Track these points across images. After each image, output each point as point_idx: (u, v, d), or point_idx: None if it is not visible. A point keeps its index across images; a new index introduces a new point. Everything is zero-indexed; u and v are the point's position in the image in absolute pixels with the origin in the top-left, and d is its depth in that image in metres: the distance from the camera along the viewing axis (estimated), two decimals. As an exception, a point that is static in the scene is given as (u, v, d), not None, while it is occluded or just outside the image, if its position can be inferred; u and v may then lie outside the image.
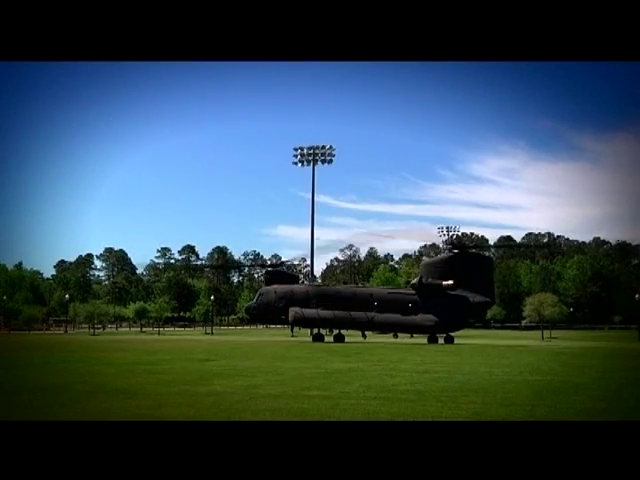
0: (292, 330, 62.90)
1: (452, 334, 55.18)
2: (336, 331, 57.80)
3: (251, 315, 62.50)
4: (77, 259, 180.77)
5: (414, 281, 57.04)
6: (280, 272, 60.23)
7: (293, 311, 55.50)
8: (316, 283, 62.34)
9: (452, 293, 53.79)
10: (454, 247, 56.22)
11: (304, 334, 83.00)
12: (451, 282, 53.30)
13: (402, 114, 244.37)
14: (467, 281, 53.28)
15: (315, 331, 59.45)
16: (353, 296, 56.56)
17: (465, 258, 54.94)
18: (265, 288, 59.05)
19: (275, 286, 57.44)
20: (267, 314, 59.11)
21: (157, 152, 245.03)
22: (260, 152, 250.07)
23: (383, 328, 58.11)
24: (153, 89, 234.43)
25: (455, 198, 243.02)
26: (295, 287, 58.18)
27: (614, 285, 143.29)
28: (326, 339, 57.09)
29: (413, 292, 55.80)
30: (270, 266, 59.39)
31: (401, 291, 59.06)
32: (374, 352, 39.72)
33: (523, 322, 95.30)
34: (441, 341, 54.79)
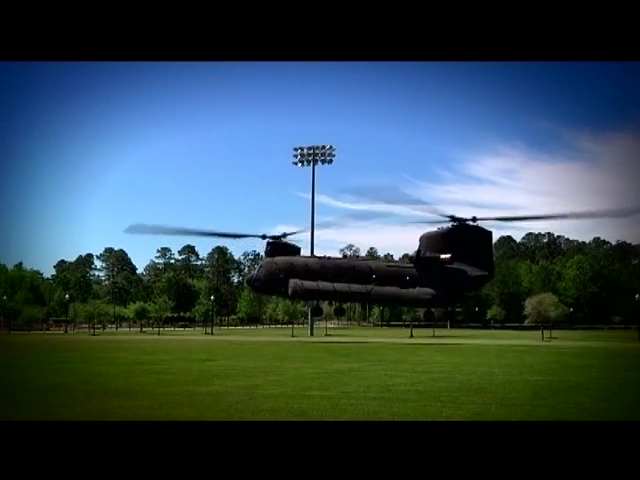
0: (292, 301, 62.68)
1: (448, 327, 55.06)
2: (337, 304, 58.09)
3: (252, 287, 62.53)
4: (77, 259, 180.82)
5: (412, 254, 56.66)
6: (281, 243, 59.72)
7: (293, 283, 55.57)
8: (317, 256, 61.83)
9: (450, 267, 53.46)
10: (453, 220, 55.26)
11: (304, 334, 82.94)
12: (449, 256, 52.95)
13: (401, 114, 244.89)
14: (466, 255, 52.94)
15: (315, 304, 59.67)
16: (352, 269, 56.44)
17: (464, 231, 54.38)
18: (266, 260, 58.89)
19: (276, 258, 57.37)
20: (268, 286, 59.06)
21: (157, 152, 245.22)
22: (260, 152, 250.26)
23: (381, 301, 57.97)
24: (153, 89, 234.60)
25: (454, 198, 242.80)
26: (295, 259, 58.01)
27: (614, 285, 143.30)
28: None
29: (412, 265, 55.47)
30: (271, 237, 58.65)
31: (400, 264, 58.62)
32: (374, 352, 39.73)
33: (527, 322, 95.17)
34: (441, 344, 54.70)
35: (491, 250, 56.45)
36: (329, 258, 58.62)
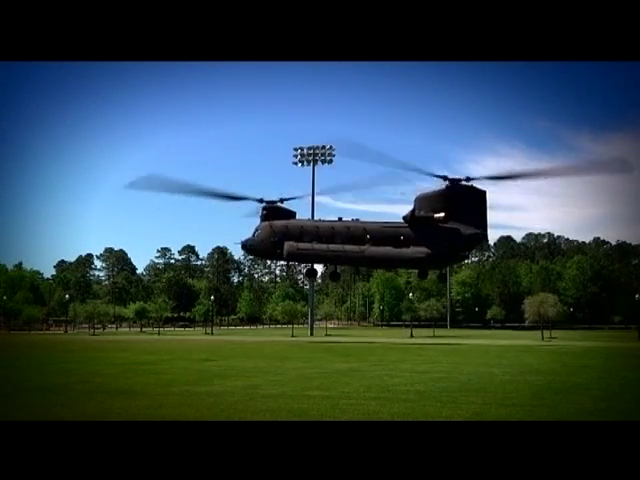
0: (287, 264, 63.02)
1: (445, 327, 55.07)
2: (332, 268, 58.46)
3: (248, 250, 62.81)
4: (77, 259, 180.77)
5: (406, 214, 56.81)
6: (277, 208, 60.05)
7: (288, 244, 55.95)
8: (315, 219, 62.25)
9: (444, 226, 53.60)
10: (447, 179, 55.13)
11: (304, 334, 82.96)
12: (442, 214, 53.03)
13: (401, 114, 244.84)
14: (460, 214, 53.06)
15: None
16: (347, 230, 56.69)
17: (458, 191, 54.49)
18: (262, 224, 59.30)
19: (271, 221, 57.82)
20: (263, 249, 59.54)
21: (157, 152, 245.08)
22: (260, 152, 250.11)
23: (375, 262, 57.88)
24: (153, 90, 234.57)
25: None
26: (290, 222, 58.30)
27: (614, 285, 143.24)
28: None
29: (406, 225, 55.60)
30: (267, 202, 58.84)
31: (394, 225, 58.59)
32: (374, 352, 39.75)
33: (526, 322, 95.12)
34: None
35: (485, 210, 56.53)
36: (324, 221, 58.64)
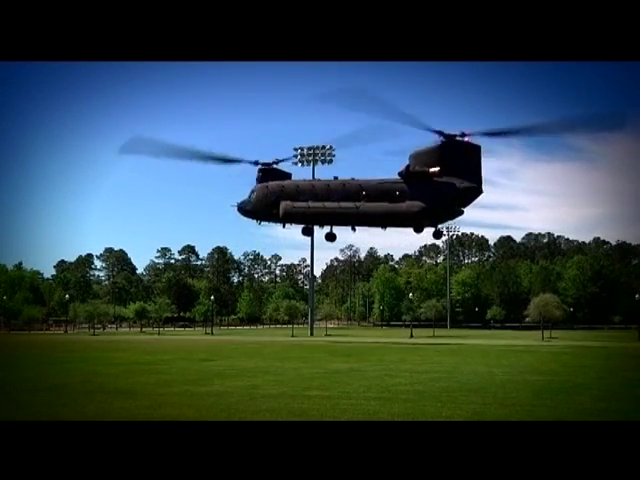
0: (284, 225, 62.43)
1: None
2: (327, 229, 58.71)
3: (244, 212, 62.89)
4: (77, 259, 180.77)
5: (401, 169, 56.96)
6: (273, 170, 60.13)
7: (284, 204, 56.08)
8: (308, 179, 62.49)
9: (439, 180, 53.77)
10: (442, 135, 55.36)
11: (304, 334, 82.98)
12: (437, 169, 53.15)
13: (399, 114, 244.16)
14: (455, 169, 53.27)
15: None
16: (342, 187, 56.86)
17: (453, 146, 54.69)
18: (257, 185, 59.43)
19: (268, 182, 57.98)
20: (259, 210, 59.65)
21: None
22: (260, 152, 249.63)
23: (370, 218, 57.93)
24: (153, 89, 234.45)
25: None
26: (286, 182, 58.38)
27: (614, 285, 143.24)
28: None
29: (402, 181, 55.68)
30: (263, 164, 58.90)
31: (390, 180, 58.75)
32: (374, 352, 39.76)
33: (526, 319, 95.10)
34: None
35: (480, 164, 56.78)
36: (320, 180, 58.65)
